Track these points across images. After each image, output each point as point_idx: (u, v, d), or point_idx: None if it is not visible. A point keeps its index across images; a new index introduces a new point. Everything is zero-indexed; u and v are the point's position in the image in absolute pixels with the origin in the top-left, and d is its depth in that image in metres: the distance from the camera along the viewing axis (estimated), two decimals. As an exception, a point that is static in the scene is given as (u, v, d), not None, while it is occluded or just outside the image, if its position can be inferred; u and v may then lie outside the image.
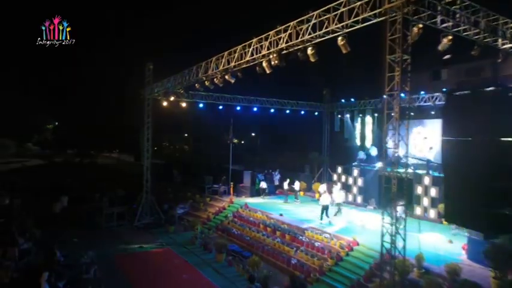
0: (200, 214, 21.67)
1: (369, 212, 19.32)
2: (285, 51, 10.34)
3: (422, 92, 20.90)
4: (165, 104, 20.91)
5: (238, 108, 23.82)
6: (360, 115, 26.46)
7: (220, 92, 22.59)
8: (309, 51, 9.53)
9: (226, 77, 13.04)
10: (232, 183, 22.83)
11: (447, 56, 22.03)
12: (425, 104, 20.77)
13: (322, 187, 20.07)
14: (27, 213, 19.40)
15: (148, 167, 21.78)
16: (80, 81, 39.74)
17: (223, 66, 12.93)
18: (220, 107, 23.25)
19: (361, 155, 22.68)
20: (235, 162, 24.83)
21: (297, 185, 22.21)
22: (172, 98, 18.62)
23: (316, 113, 27.40)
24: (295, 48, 9.98)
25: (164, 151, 49.46)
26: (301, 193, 23.99)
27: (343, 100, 26.55)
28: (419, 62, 23.44)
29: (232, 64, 12.35)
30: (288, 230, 15.78)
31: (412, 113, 18.10)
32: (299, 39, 9.59)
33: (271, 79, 27.33)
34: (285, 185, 22.16)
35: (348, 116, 27.15)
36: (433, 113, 20.99)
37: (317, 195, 22.45)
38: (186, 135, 51.03)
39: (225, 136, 26.05)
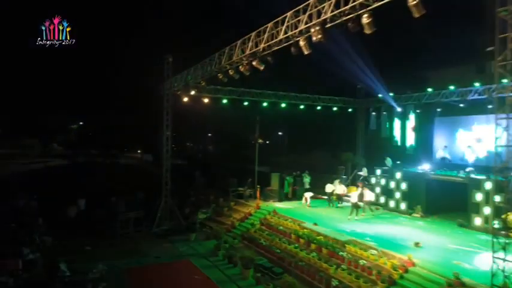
0: (224, 220, 19.78)
1: (416, 221, 16.83)
2: (329, 24, 8.19)
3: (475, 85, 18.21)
4: (185, 99, 19.21)
5: (265, 104, 21.85)
6: (400, 111, 23.85)
7: (246, 86, 20.90)
8: (364, 19, 7.34)
9: (254, 63, 10.98)
10: (258, 186, 20.78)
11: (491, 48, 19.15)
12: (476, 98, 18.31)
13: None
14: (41, 217, 18.17)
15: (168, 169, 20.14)
16: (101, 80, 38.99)
17: (250, 51, 10.89)
18: (246, 103, 21.34)
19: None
20: (260, 163, 22.85)
21: (329, 188, 20.11)
22: (193, 92, 16.81)
23: (349, 110, 25.07)
24: (344, 18, 7.81)
25: (188, 151, 48.23)
26: (334, 197, 21.76)
27: (380, 95, 24.02)
28: (460, 55, 20.99)
29: (262, 46, 10.28)
30: (325, 243, 13.55)
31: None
32: (349, 5, 7.41)
33: (301, 72, 25.36)
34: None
35: (385, 112, 24.66)
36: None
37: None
38: (209, 135, 49.52)
39: (249, 136, 24.16)
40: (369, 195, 17.98)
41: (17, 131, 46.02)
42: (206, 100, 20.20)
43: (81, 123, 54.38)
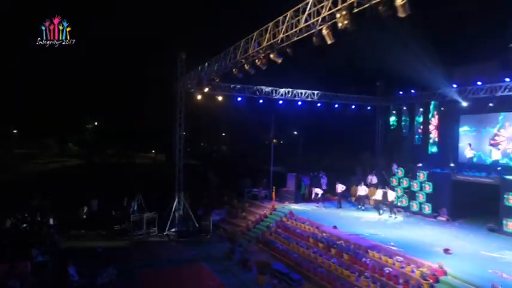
0: (238, 222, 19.15)
1: (442, 225, 15.85)
2: (357, 8, 7.40)
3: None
4: (199, 97, 18.66)
5: (280, 102, 21.15)
6: (422, 109, 22.79)
7: (261, 84, 20.30)
8: (399, 1, 6.56)
9: (271, 56, 10.26)
10: (274, 187, 20.03)
11: (515, 44, 17.89)
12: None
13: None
14: (52, 217, 17.87)
15: (181, 169, 19.59)
16: (114, 79, 38.85)
17: (267, 42, 10.19)
18: (261, 101, 20.69)
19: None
20: (276, 163, 22.16)
21: (340, 188, 19.53)
22: (206, 90, 16.22)
23: (368, 108, 24.13)
24: (374, 1, 7.02)
25: (201, 151, 47.77)
26: (353, 198, 20.97)
27: (400, 92, 23.02)
28: (484, 50, 19.85)
29: (280, 37, 9.55)
30: (345, 248, 12.76)
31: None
32: (380, -14, 6.65)
33: (316, 69, 24.52)
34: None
35: (405, 108, 23.66)
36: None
37: (371, 201, 19.38)
38: (223, 134, 48.99)
39: (264, 135, 23.52)
40: (391, 196, 17.34)
41: (34, 131, 46.43)
42: (220, 98, 19.65)
43: (96, 123, 54.56)
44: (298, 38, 9.31)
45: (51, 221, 17.14)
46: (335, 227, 14.75)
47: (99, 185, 24.65)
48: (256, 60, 11.03)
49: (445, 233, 14.50)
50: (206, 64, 15.06)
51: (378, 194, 17.76)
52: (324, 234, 14.24)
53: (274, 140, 22.14)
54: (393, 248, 12.21)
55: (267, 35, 10.17)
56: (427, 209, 17.50)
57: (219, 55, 13.64)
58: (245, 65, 11.75)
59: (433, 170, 18.45)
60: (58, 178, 29.57)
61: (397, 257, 11.26)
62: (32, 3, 26.54)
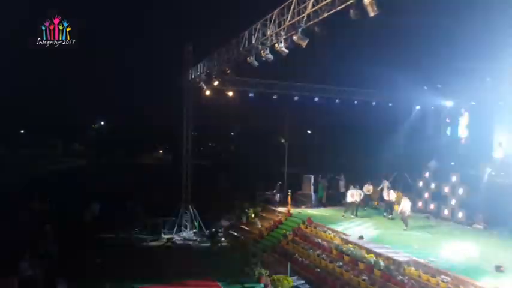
0: (250, 228, 17.59)
1: (481, 234, 14.06)
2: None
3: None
4: (207, 92, 17.17)
5: (296, 98, 19.57)
6: (451, 105, 21.01)
7: (274, 78, 18.82)
8: None
9: (295, 37, 8.64)
10: (289, 190, 18.38)
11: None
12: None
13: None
14: (50, 223, 16.50)
15: (188, 170, 18.14)
16: (121, 78, 37.90)
17: (290, 21, 8.58)
18: (274, 97, 19.12)
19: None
20: (289, 164, 20.60)
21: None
22: (216, 83, 14.69)
23: (390, 104, 22.36)
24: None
25: (209, 151, 46.50)
26: (375, 203, 19.19)
27: (425, 87, 21.23)
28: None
29: (307, 12, 7.92)
30: (377, 264, 11.06)
31: None
32: None
33: (337, 63, 22.90)
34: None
35: (432, 107, 21.89)
36: None
37: (396, 207, 17.51)
38: (232, 134, 47.58)
39: (277, 135, 22.02)
40: (406, 206, 14.65)
41: (40, 131, 45.88)
42: (230, 93, 18.13)
43: (102, 123, 53.84)
44: (330, 12, 7.66)
45: (48, 228, 15.77)
46: (361, 238, 13.06)
47: (102, 187, 23.45)
48: (276, 45, 9.42)
49: (486, 244, 12.72)
50: (216, 53, 13.49)
51: (391, 196, 16.25)
52: (350, 245, 12.54)
53: (283, 140, 20.54)
54: (433, 263, 10.50)
55: (290, 13, 8.56)
56: (461, 215, 15.72)
57: (230, 42, 12.06)
58: (262, 51, 10.14)
59: (466, 172, 16.68)
60: (62, 179, 28.60)
61: (443, 276, 9.53)
62: (32, 3, 25.93)
